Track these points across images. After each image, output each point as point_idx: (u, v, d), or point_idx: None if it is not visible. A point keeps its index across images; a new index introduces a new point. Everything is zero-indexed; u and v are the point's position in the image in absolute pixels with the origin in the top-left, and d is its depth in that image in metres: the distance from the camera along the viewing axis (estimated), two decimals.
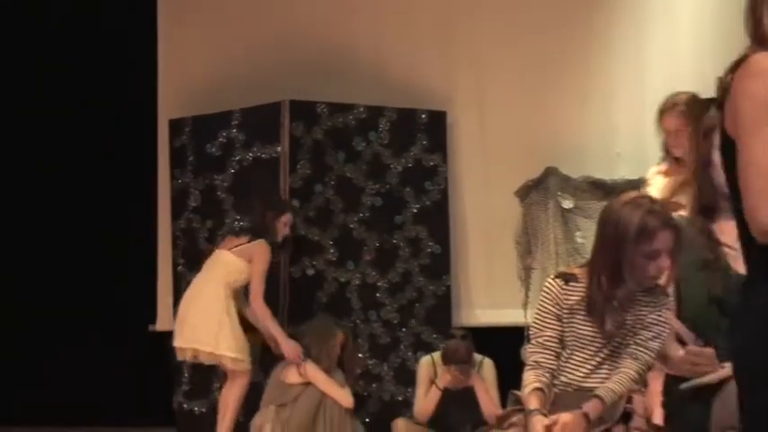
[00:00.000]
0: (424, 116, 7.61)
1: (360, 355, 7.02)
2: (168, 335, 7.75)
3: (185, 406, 7.58)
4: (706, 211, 3.16)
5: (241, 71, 7.67)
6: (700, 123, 4.44)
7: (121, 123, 7.98)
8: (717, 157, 3.07)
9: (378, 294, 7.39)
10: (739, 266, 3.11)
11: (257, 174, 7.34)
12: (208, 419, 7.29)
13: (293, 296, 7.02)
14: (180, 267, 7.68)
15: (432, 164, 7.60)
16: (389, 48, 7.73)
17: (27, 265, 8.10)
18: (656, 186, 4.72)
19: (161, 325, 7.81)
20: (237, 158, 7.44)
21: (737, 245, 3.12)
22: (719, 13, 7.38)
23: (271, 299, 6.66)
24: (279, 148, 7.26)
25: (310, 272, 7.06)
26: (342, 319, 7.11)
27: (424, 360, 6.49)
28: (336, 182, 7.37)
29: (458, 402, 6.22)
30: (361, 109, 7.44)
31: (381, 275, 7.39)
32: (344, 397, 6.34)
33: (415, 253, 7.46)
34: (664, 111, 4.77)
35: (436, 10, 7.77)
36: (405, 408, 6.82)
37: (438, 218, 7.54)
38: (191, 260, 7.59)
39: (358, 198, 7.39)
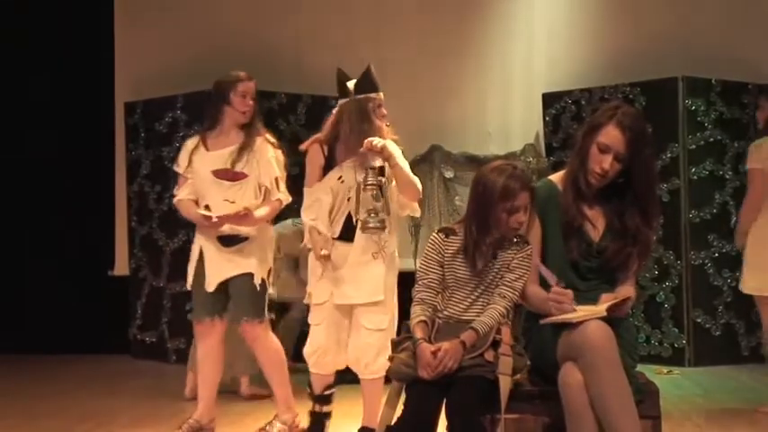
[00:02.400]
0: (333, 102, 7.51)
1: None
2: (123, 279, 7.61)
3: (138, 337, 7.44)
4: (578, 189, 3.12)
5: (184, 63, 7.52)
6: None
7: (85, 105, 7.75)
8: (594, 149, 3.08)
9: None
10: (596, 237, 3.13)
11: None
12: (156, 347, 7.19)
13: None
14: (133, 223, 7.53)
15: None
16: (306, 46, 7.63)
17: (12, 220, 7.83)
18: (210, 162, 4.33)
19: (118, 270, 7.67)
20: (181, 135, 7.23)
21: (599, 221, 3.14)
22: (570, 15, 7.49)
23: None
24: None
25: None
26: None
27: None
28: None
29: None
30: (283, 96, 7.33)
31: None
32: None
33: None
34: (241, 79, 4.33)
35: (343, 15, 7.73)
36: None
37: None
38: (142, 217, 7.45)
39: None
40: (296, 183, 7.16)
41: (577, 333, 2.90)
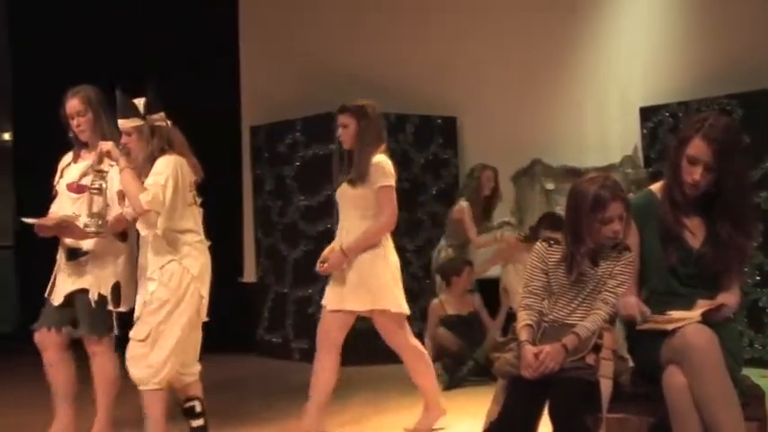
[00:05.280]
0: (439, 121, 7.52)
1: None
2: (251, 285, 7.70)
3: (265, 337, 7.51)
4: (674, 199, 3.02)
5: (301, 89, 7.62)
6: (99, 110, 3.89)
7: (215, 129, 7.89)
8: (684, 162, 2.97)
9: (407, 255, 7.20)
10: (695, 244, 3.01)
11: (315, 167, 7.22)
12: (281, 347, 7.26)
13: None
14: (259, 235, 7.65)
15: (445, 157, 7.53)
16: (414, 71, 7.61)
17: None
18: (70, 175, 3.94)
19: (246, 277, 7.83)
20: (300, 155, 7.33)
21: (698, 229, 3.01)
22: (666, 28, 7.19)
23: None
24: (331, 147, 7.13)
25: None
26: None
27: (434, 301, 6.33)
28: None
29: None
30: (392, 116, 7.29)
31: (410, 241, 7.22)
32: None
33: (435, 224, 7.30)
34: (67, 98, 3.91)
35: (446, 42, 7.66)
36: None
37: (451, 198, 7.37)
38: (266, 229, 7.55)
39: None
40: (408, 195, 7.19)
41: (677, 337, 2.81)
